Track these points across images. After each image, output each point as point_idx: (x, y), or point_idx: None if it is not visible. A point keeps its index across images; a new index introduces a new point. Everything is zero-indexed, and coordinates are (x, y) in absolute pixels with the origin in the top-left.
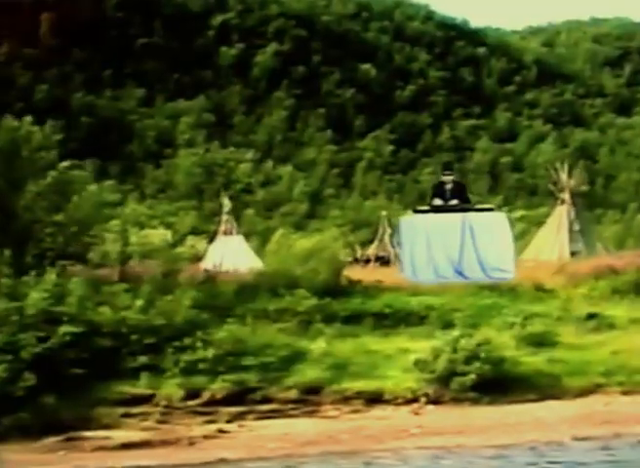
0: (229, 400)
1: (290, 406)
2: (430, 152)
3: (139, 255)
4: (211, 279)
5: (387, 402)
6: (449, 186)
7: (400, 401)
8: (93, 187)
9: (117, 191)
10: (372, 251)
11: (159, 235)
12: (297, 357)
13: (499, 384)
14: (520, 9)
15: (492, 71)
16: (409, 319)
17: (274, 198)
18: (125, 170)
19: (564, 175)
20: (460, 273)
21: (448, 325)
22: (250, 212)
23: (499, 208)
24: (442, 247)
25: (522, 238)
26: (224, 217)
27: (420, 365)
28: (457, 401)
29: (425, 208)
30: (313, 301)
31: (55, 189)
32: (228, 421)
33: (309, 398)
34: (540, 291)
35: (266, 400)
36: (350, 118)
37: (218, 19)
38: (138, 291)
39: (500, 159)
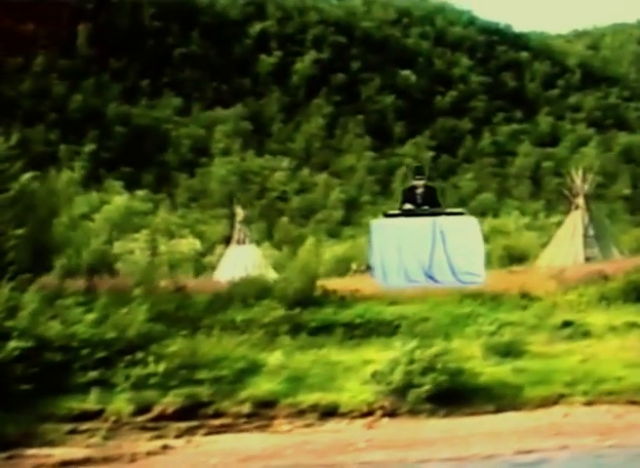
0: (181, 415)
1: (242, 420)
2: (471, 158)
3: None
4: (182, 289)
5: (343, 415)
6: (420, 191)
7: (355, 414)
8: (122, 197)
9: (149, 200)
10: None
11: (188, 244)
12: (253, 369)
13: (457, 395)
14: (565, 12)
15: (535, 75)
16: (380, 329)
17: (309, 205)
18: (159, 179)
19: (578, 180)
20: (430, 277)
21: (418, 335)
22: (284, 219)
23: (537, 212)
24: (413, 251)
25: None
26: (237, 226)
27: (376, 377)
28: (413, 413)
29: (396, 212)
30: (281, 312)
31: (18, 201)
32: (177, 436)
33: (263, 412)
34: (526, 298)
35: (219, 414)
36: (390, 124)
37: (256, 27)
38: (94, 303)
39: (542, 163)
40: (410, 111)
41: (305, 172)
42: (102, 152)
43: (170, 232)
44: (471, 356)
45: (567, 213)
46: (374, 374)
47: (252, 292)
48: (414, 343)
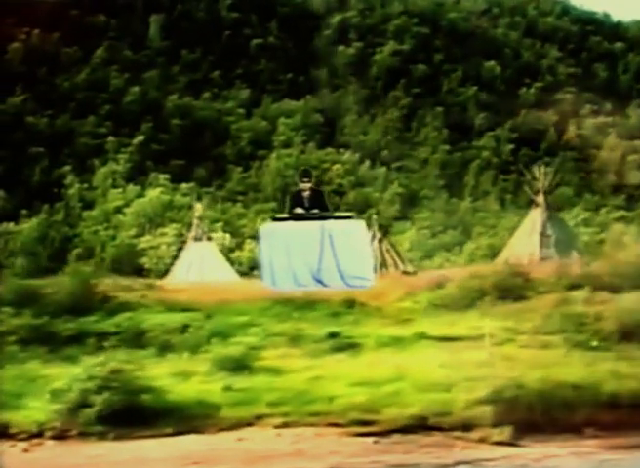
0: None
1: None
2: (554, 151)
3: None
4: None
5: (11, 436)
6: (307, 194)
7: (24, 436)
8: (156, 191)
9: (192, 194)
10: None
11: (217, 239)
12: None
13: (137, 416)
14: None
15: (629, 67)
16: (133, 340)
17: (365, 199)
18: (212, 172)
19: (540, 177)
20: (319, 281)
21: (166, 347)
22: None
23: (619, 207)
24: (301, 255)
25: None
26: (195, 222)
27: (55, 394)
28: (84, 435)
29: (285, 216)
30: (24, 320)
31: None
32: None
33: None
34: (346, 305)
35: None
36: (470, 117)
37: (337, 18)
38: None
39: (628, 157)
40: (492, 103)
41: (366, 165)
42: (154, 145)
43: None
44: (195, 372)
45: None
46: (53, 392)
47: (18, 298)
48: (100, 358)
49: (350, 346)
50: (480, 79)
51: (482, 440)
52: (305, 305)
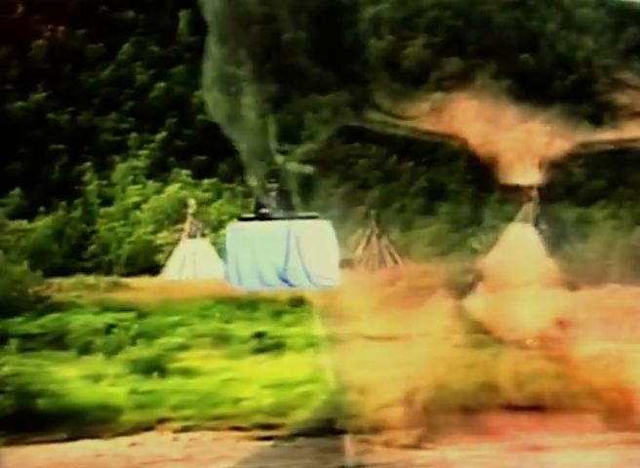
0: None
1: None
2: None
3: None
4: None
5: None
6: (274, 194)
7: None
8: (174, 186)
9: (214, 190)
10: (359, 252)
11: None
12: None
13: (33, 421)
14: None
15: None
16: (58, 341)
17: (389, 194)
18: (236, 168)
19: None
20: (285, 281)
21: (87, 349)
22: (361, 209)
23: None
24: (267, 254)
25: None
26: (189, 219)
27: None
28: None
29: (251, 216)
30: None
31: None
32: None
33: None
34: (290, 304)
35: None
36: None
37: (368, 12)
38: None
39: None
40: (526, 96)
41: (393, 159)
42: (178, 141)
43: (221, 222)
44: (106, 374)
45: None
46: None
47: None
48: None
49: (275, 347)
50: (513, 72)
51: (387, 443)
52: (249, 304)
